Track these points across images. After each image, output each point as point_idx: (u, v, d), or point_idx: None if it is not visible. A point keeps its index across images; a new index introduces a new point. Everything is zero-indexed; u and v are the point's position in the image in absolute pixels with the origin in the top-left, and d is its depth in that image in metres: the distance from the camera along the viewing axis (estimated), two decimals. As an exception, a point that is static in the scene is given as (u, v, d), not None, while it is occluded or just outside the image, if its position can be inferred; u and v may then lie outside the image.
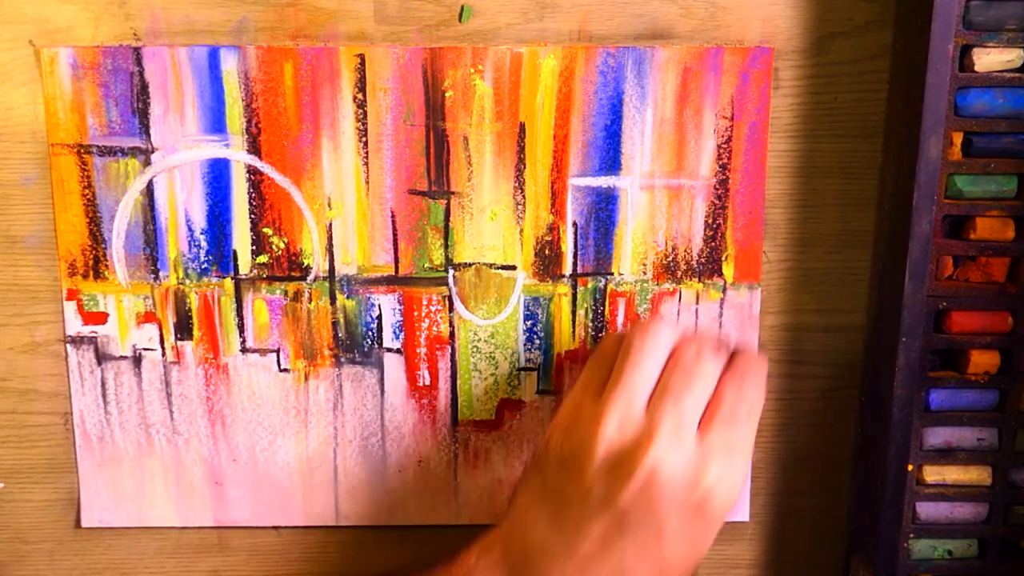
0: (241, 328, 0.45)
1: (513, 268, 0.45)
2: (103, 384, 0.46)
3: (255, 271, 0.45)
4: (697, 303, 0.45)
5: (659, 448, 0.33)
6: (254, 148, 0.44)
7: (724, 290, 0.45)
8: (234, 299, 0.45)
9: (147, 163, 0.44)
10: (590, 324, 0.46)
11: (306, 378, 0.46)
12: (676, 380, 0.35)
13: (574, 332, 0.46)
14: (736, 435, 0.34)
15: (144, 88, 0.43)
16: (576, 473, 0.34)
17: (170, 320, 0.45)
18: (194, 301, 0.45)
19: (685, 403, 0.34)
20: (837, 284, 0.46)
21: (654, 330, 0.37)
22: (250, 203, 0.44)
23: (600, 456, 0.34)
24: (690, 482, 0.33)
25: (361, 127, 0.44)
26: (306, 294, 0.45)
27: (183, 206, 0.44)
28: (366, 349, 0.46)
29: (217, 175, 0.44)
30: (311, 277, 0.45)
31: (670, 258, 0.45)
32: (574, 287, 0.45)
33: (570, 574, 0.35)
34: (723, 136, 0.44)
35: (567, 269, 0.45)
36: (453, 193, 0.44)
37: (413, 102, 0.43)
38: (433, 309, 0.45)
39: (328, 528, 0.48)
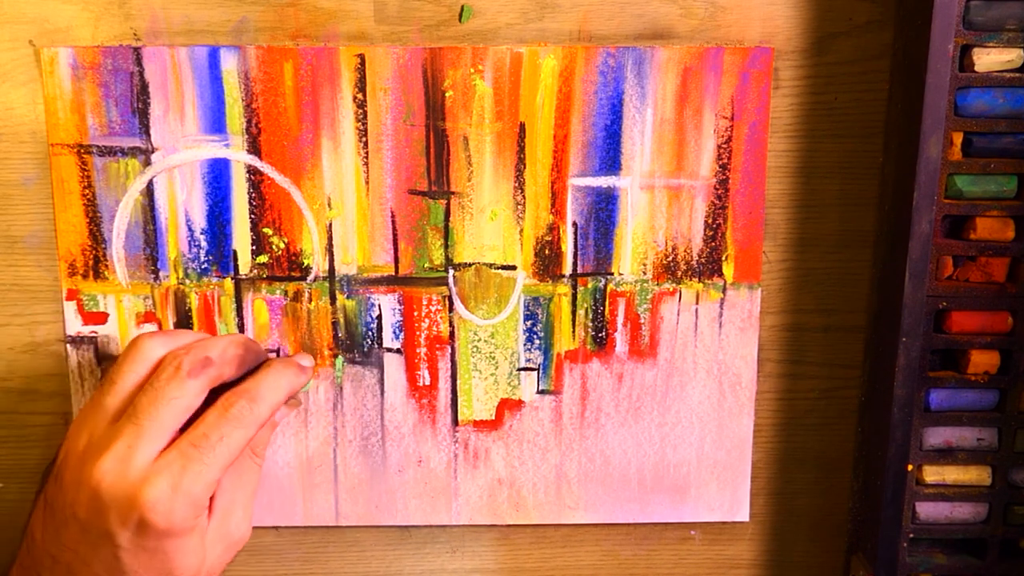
0: (241, 328, 0.45)
1: (513, 268, 0.45)
2: (103, 384, 0.46)
3: (255, 271, 0.45)
4: (697, 303, 0.45)
5: (105, 463, 0.34)
6: (254, 148, 0.44)
7: (724, 290, 0.45)
8: (234, 299, 0.45)
9: (147, 163, 0.44)
10: (590, 324, 0.46)
11: (306, 378, 0.46)
12: (141, 400, 0.35)
13: (574, 332, 0.46)
14: (195, 460, 0.34)
15: (144, 88, 0.43)
16: (59, 485, 0.35)
17: (170, 320, 0.45)
18: (194, 301, 0.45)
19: (143, 424, 0.34)
20: (837, 284, 0.46)
21: (133, 345, 0.37)
22: (250, 203, 0.44)
23: (70, 469, 0.35)
24: (128, 499, 0.33)
25: (361, 127, 0.44)
26: (306, 294, 0.45)
27: (183, 206, 0.44)
28: (366, 349, 0.46)
29: (217, 175, 0.44)
30: (311, 277, 0.45)
31: (670, 258, 0.45)
32: (574, 287, 0.45)
33: None
34: (723, 136, 0.44)
35: (567, 269, 0.45)
36: (453, 193, 0.44)
37: (413, 102, 0.43)
38: (433, 309, 0.45)
39: (328, 528, 0.48)
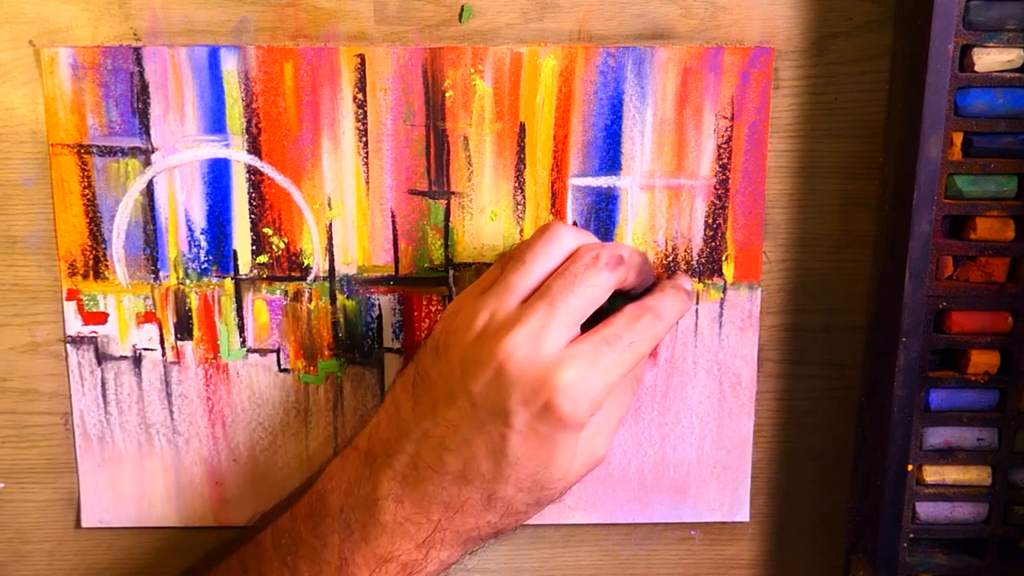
0: (241, 328, 0.45)
1: (513, 268, 0.45)
2: (103, 384, 0.46)
3: (255, 271, 0.45)
4: (697, 303, 0.45)
5: (515, 339, 0.33)
6: (254, 148, 0.44)
7: (724, 290, 0.45)
8: (234, 299, 0.45)
9: (147, 163, 0.44)
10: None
11: (306, 378, 0.46)
12: (556, 283, 0.34)
13: (574, 332, 0.46)
14: (606, 355, 0.33)
15: (144, 88, 0.43)
16: (443, 360, 0.34)
17: (170, 320, 0.45)
18: (194, 301, 0.45)
19: (558, 306, 0.33)
20: (837, 284, 0.46)
21: (549, 231, 0.36)
22: (250, 203, 0.44)
23: (465, 344, 0.34)
24: (538, 379, 0.32)
25: (361, 127, 0.44)
26: (306, 294, 0.45)
27: (183, 206, 0.44)
28: (366, 349, 0.46)
29: (217, 175, 0.44)
30: (311, 277, 0.45)
31: (670, 258, 0.45)
32: (574, 287, 0.45)
33: (422, 456, 0.34)
34: (723, 136, 0.44)
35: (567, 269, 0.45)
36: (453, 193, 0.44)
37: (413, 102, 0.43)
38: (433, 309, 0.45)
39: (328, 528, 0.48)
